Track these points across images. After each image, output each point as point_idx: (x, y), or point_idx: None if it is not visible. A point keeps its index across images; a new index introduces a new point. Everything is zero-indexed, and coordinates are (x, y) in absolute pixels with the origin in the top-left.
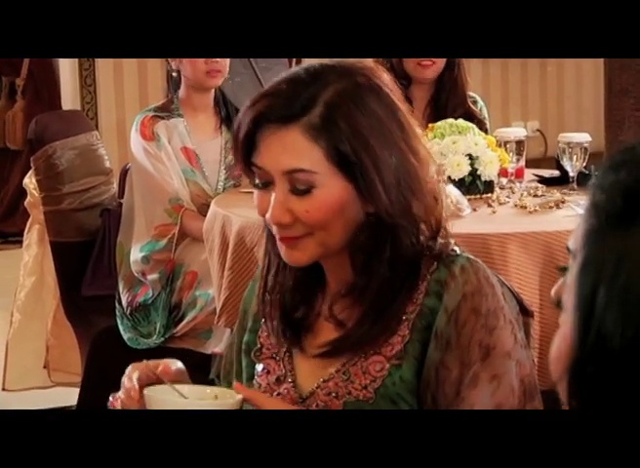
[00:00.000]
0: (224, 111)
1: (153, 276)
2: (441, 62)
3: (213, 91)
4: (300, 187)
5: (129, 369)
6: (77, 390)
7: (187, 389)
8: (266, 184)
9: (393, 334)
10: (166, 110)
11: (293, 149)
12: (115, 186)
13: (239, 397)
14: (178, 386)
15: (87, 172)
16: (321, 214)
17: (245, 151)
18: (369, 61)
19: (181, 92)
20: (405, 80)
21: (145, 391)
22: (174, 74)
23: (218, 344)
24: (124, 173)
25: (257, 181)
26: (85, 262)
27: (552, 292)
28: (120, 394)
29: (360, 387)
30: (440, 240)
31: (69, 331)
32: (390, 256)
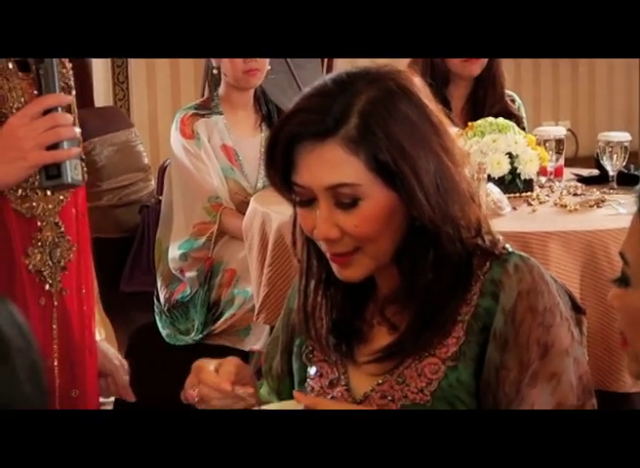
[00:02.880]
0: (265, 109)
1: (191, 273)
2: (484, 59)
3: (252, 89)
4: (346, 201)
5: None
6: None
7: None
8: (309, 202)
9: (448, 336)
10: (206, 108)
11: (333, 164)
12: (153, 183)
13: (300, 406)
14: None
15: (126, 168)
16: (370, 226)
17: (283, 171)
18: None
19: (221, 89)
20: (444, 78)
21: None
22: (214, 71)
23: (256, 341)
24: (162, 170)
25: (298, 199)
26: (124, 258)
27: (609, 297)
28: (203, 389)
29: (416, 390)
30: (487, 237)
31: (108, 326)
32: (435, 259)
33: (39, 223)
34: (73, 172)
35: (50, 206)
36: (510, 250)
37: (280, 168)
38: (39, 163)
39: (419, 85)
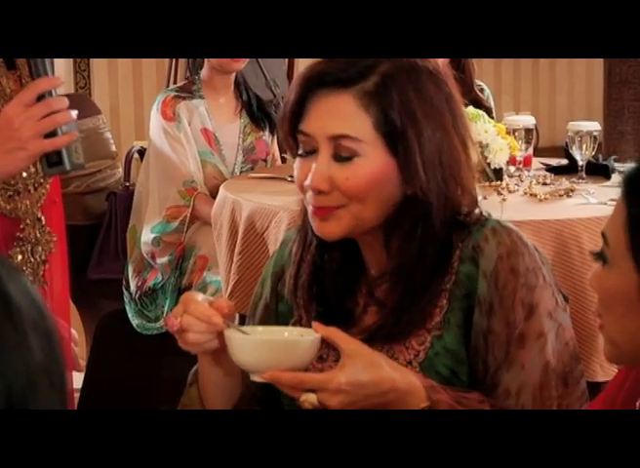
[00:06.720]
0: (245, 96)
1: (163, 260)
2: None
3: (234, 74)
4: (344, 154)
5: (183, 300)
6: (82, 374)
7: (262, 329)
8: (310, 152)
9: (433, 307)
10: (187, 91)
11: (342, 114)
12: (120, 170)
13: (317, 335)
14: (251, 328)
15: (93, 155)
16: (360, 183)
17: (293, 118)
18: None
19: (204, 73)
20: None
21: (226, 332)
22: None
23: None
24: (129, 156)
25: (300, 151)
26: (91, 246)
27: (590, 278)
28: (190, 321)
29: (405, 363)
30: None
31: (74, 313)
32: (422, 235)
33: (22, 222)
34: (73, 156)
35: (32, 202)
36: (487, 216)
37: (290, 113)
38: (40, 152)
39: (445, 71)
